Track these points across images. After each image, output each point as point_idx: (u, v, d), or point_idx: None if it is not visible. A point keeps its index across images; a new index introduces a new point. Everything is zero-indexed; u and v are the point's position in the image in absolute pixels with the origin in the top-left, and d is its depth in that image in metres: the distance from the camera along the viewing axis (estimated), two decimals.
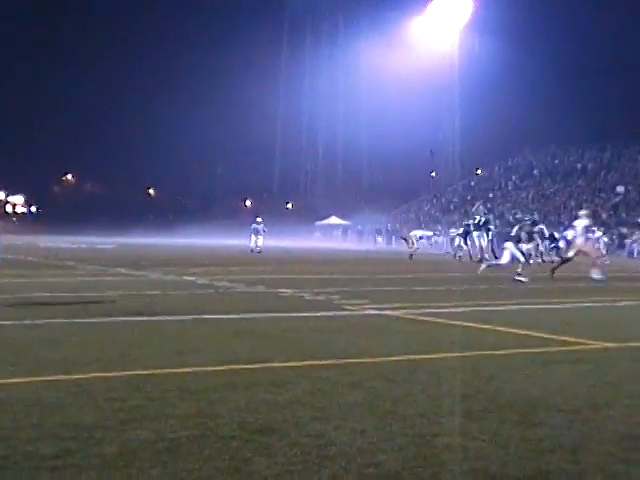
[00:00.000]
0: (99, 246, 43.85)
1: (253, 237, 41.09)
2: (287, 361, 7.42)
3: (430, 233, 43.00)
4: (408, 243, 37.09)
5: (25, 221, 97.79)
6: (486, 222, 30.03)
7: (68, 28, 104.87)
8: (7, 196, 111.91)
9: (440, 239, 47.81)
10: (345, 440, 4.72)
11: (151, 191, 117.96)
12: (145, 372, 6.74)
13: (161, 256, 32.91)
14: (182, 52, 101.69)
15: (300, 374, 6.79)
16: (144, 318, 10.63)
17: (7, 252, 30.85)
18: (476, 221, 30.58)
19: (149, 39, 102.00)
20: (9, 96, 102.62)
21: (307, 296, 14.36)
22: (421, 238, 39.55)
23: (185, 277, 18.93)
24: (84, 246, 42.77)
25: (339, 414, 5.36)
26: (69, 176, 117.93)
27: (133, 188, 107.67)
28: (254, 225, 41.62)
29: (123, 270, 21.33)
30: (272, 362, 7.34)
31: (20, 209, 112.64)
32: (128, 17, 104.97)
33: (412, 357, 7.78)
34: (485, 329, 10.05)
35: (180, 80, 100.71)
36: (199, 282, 17.43)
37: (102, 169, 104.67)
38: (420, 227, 53.34)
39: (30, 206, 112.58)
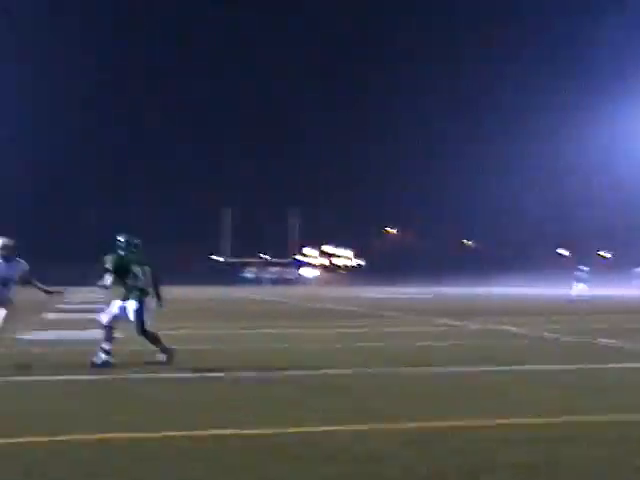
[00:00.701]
0: (418, 296, 45.02)
1: (575, 285, 40.37)
2: (620, 412, 7.37)
3: None
4: None
5: (353, 274, 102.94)
6: None
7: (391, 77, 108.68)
8: (337, 249, 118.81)
9: None
10: None
11: (467, 241, 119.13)
12: (461, 423, 6.98)
13: (478, 306, 33.14)
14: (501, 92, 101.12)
15: None
16: (473, 369, 10.94)
17: (334, 303, 32.90)
18: None
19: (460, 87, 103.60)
20: (329, 159, 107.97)
21: (628, 346, 13.92)
22: None
23: (503, 327, 19.01)
24: (403, 296, 44.13)
25: None
26: (391, 229, 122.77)
27: (450, 239, 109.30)
28: (577, 273, 40.97)
29: (443, 320, 21.84)
30: (606, 414, 7.33)
31: (349, 262, 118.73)
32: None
33: None
34: None
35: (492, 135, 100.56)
36: (518, 332, 17.45)
37: (421, 222, 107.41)
38: None
39: (357, 258, 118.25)
